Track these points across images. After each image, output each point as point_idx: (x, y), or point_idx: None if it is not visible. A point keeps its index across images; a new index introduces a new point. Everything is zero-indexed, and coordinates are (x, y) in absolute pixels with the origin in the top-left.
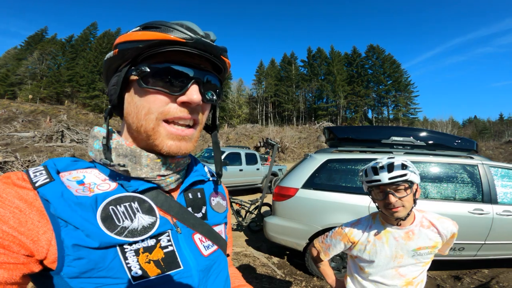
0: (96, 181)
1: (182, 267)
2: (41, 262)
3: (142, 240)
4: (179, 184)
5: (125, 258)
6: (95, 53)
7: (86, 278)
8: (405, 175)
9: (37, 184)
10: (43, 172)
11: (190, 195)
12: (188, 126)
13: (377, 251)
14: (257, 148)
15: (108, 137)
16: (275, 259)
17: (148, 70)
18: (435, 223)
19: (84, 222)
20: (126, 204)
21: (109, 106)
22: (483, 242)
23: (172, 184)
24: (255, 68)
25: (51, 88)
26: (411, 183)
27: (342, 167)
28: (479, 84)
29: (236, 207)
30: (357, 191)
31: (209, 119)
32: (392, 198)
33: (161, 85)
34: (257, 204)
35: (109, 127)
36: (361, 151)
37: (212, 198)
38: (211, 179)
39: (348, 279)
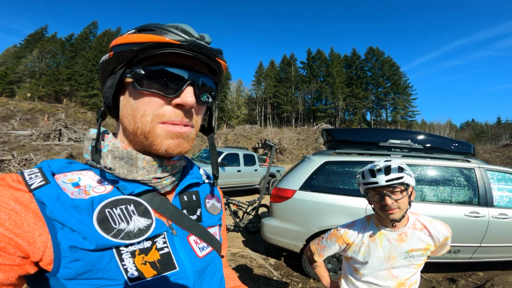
0: (91, 184)
1: (177, 269)
2: (36, 263)
3: (138, 242)
4: (175, 187)
5: (122, 260)
6: (95, 52)
7: (83, 280)
8: (401, 177)
9: (32, 187)
10: (38, 174)
11: (185, 198)
12: (185, 125)
13: (370, 252)
14: (255, 149)
15: (98, 138)
16: (272, 260)
17: (143, 72)
18: (427, 226)
19: (80, 225)
20: (122, 207)
21: (102, 108)
22: (478, 245)
23: (167, 187)
24: (254, 69)
25: (49, 86)
26: (407, 185)
27: (340, 169)
28: (477, 87)
29: (233, 208)
30: (355, 193)
31: (205, 121)
32: (389, 200)
33: (156, 87)
34: (254, 205)
35: (105, 129)
36: (359, 154)
37: (207, 200)
38: (206, 181)
39: (342, 281)
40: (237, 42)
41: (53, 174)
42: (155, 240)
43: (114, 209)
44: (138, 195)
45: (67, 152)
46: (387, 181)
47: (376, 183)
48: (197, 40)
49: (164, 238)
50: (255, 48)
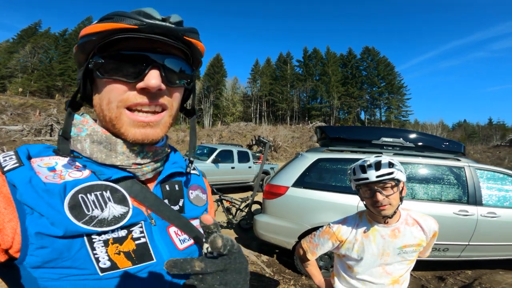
0: (68, 168)
1: (154, 260)
2: (6, 251)
3: (112, 231)
4: (156, 175)
5: (93, 249)
6: None
7: (49, 268)
8: (392, 173)
9: (5, 169)
10: (13, 157)
11: (167, 187)
12: (155, 113)
13: (364, 249)
14: (249, 147)
15: (67, 125)
16: (265, 257)
17: (102, 60)
18: (419, 221)
19: (50, 210)
20: (97, 193)
21: (70, 99)
22: (467, 243)
23: (148, 174)
24: (250, 66)
25: (42, 81)
26: (397, 181)
27: (333, 167)
28: (470, 88)
29: (226, 204)
30: (347, 190)
31: (189, 104)
32: (380, 196)
33: (118, 75)
34: (247, 202)
35: (84, 113)
36: (351, 151)
37: (190, 191)
38: (191, 172)
39: (336, 279)
40: (233, 39)
41: (30, 158)
42: (131, 229)
43: (88, 194)
44: (116, 181)
45: None
46: (377, 176)
47: (367, 178)
48: (157, 22)
49: (141, 227)
50: (252, 46)
